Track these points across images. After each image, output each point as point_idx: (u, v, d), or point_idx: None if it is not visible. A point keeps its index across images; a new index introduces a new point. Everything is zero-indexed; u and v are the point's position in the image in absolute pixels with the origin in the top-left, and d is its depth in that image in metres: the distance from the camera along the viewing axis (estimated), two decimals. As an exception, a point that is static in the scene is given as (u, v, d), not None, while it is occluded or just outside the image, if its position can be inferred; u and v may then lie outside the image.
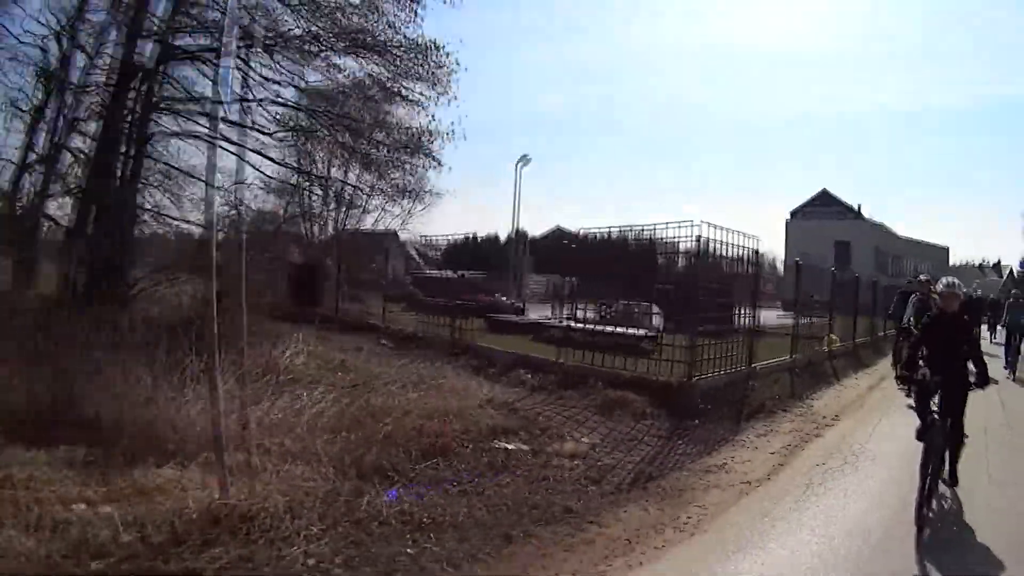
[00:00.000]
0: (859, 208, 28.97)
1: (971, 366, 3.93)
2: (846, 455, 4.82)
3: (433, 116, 9.33)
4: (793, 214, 31.52)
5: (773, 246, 28.14)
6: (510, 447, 4.52)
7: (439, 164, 9.86)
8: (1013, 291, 10.18)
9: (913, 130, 38.78)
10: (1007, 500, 3.89)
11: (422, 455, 4.13)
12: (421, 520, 3.23)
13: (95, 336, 6.44)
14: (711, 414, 5.86)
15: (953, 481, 4.09)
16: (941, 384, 3.94)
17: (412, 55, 8.41)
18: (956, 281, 4.23)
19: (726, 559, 3.05)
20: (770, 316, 9.80)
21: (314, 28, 8.24)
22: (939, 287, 4.28)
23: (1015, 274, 22.79)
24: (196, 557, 2.75)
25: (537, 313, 14.16)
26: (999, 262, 26.36)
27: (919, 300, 7.00)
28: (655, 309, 11.42)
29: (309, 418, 4.43)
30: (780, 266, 26.29)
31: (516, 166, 13.19)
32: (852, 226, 27.40)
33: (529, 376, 7.12)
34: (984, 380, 3.92)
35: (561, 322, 12.13)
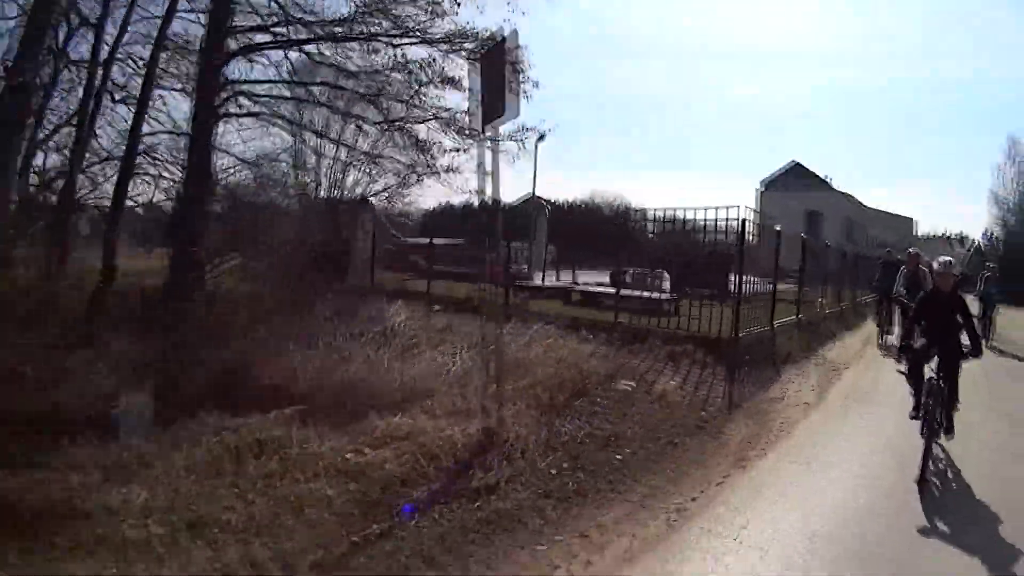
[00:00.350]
0: (829, 179, 31.43)
1: (964, 338, 4.35)
2: (864, 391, 6.57)
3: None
4: (766, 185, 33.66)
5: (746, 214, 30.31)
6: (628, 387, 6.01)
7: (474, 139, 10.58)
8: (989, 264, 11.32)
9: (889, 101, 41.33)
10: (990, 463, 4.50)
11: (571, 395, 5.55)
12: (606, 438, 4.67)
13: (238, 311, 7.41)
14: (754, 362, 7.48)
15: (950, 430, 4.41)
16: (938, 354, 4.36)
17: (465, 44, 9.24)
18: (951, 260, 4.60)
19: (814, 448, 4.68)
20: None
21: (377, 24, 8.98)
22: (935, 266, 4.62)
23: (981, 247, 25.25)
24: (486, 475, 3.79)
25: (545, 279, 15.50)
26: (962, 234, 29.09)
27: (909, 271, 7.91)
28: (665, 275, 13.25)
29: (470, 370, 5.75)
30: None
31: (535, 143, 14.29)
32: (823, 197, 29.80)
33: (591, 335, 8.52)
34: (978, 350, 4.34)
35: (579, 285, 13.76)
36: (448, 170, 11.23)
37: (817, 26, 40.04)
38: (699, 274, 11.76)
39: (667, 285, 13.28)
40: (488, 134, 5.38)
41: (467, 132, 10.55)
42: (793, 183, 32.23)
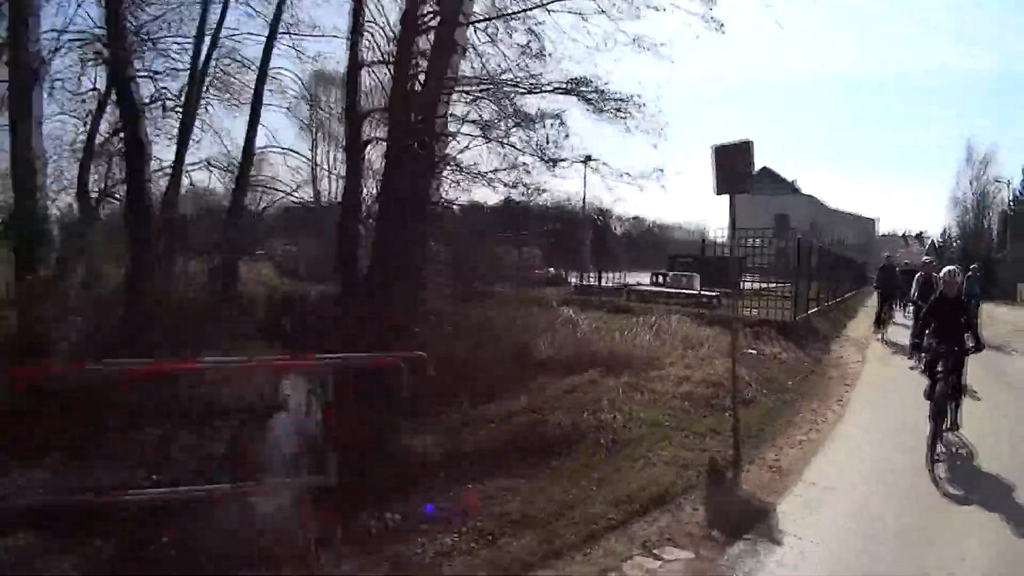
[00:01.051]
0: (795, 183, 37.32)
1: (968, 337, 5.49)
2: (888, 355, 10.93)
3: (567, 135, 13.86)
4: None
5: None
6: (753, 351, 9.99)
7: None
8: (972, 265, 12.95)
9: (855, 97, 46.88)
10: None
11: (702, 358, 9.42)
12: (771, 378, 8.63)
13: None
14: (807, 338, 11.72)
15: (955, 426, 5.66)
16: (947, 350, 5.38)
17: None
18: (956, 270, 5.77)
19: (877, 381, 8.92)
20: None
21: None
22: (943, 275, 5.87)
23: (936, 245, 30.43)
24: (744, 393, 7.52)
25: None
26: (921, 233, 34.70)
27: (923, 278, 9.68)
28: (696, 276, 17.89)
29: (665, 343, 9.48)
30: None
31: (584, 163, 18.04)
32: (790, 200, 35.50)
33: (691, 322, 12.45)
34: (979, 346, 5.40)
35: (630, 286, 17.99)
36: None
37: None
38: (714, 275, 16.62)
39: (697, 284, 18.04)
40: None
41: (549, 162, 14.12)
42: (762, 187, 37.96)
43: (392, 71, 11.71)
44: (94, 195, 12.72)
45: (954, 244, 28.70)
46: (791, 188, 38.08)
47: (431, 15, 11.59)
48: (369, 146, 12.39)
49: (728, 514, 4.43)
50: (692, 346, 9.63)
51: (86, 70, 11.81)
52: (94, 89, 12.01)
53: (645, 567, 3.70)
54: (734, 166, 8.33)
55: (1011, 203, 26.96)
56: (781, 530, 4.21)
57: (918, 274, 10.34)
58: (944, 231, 31.28)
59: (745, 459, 5.52)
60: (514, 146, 13.16)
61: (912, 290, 10.21)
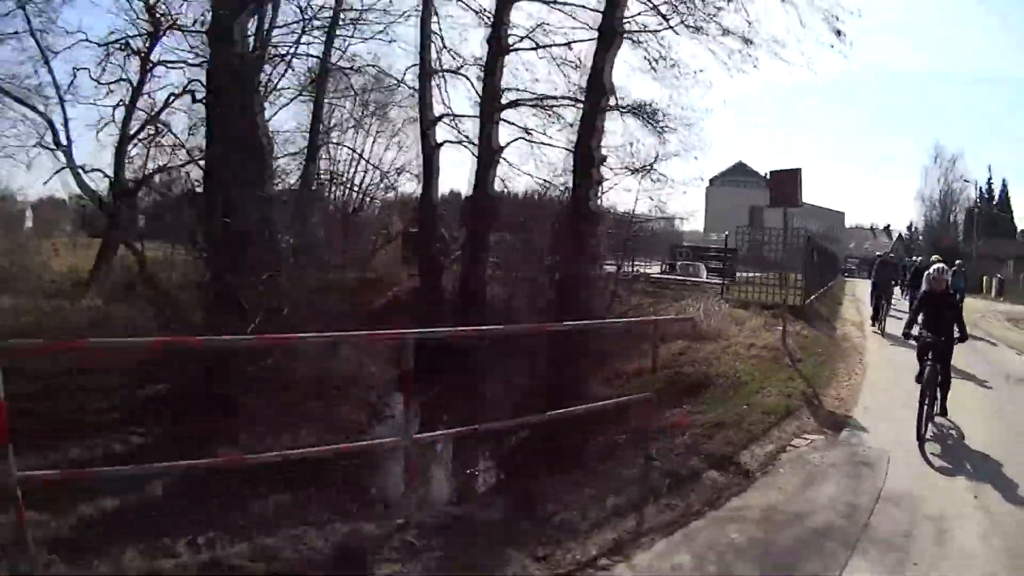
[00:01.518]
0: (767, 176, 41.65)
1: (956, 328, 6.59)
2: (883, 336, 14.43)
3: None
4: (712, 181, 43.36)
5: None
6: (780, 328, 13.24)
7: None
8: (957, 262, 15.06)
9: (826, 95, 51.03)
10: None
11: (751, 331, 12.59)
12: (806, 346, 11.90)
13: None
14: (814, 319, 15.14)
15: (943, 412, 6.79)
16: (934, 342, 6.38)
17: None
18: (944, 267, 6.95)
19: (880, 350, 12.41)
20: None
21: None
22: (931, 272, 6.94)
23: (903, 237, 34.51)
24: (793, 354, 10.81)
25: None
26: (888, 226, 39.09)
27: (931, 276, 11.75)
28: (702, 266, 21.52)
29: (719, 321, 12.55)
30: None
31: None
32: (762, 193, 39.74)
33: (720, 304, 15.68)
34: (964, 337, 6.46)
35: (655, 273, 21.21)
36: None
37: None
38: (714, 265, 20.23)
39: (703, 273, 21.73)
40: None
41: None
42: (736, 180, 42.19)
43: (481, 85, 14.38)
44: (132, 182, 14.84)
45: (920, 238, 33.22)
46: (763, 181, 42.55)
47: (518, 38, 14.36)
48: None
49: (827, 419, 7.54)
50: (738, 323, 12.80)
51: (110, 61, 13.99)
52: (124, 79, 14.12)
53: (802, 443, 6.72)
54: (784, 186, 11.52)
55: (977, 202, 31.22)
56: (862, 426, 7.35)
57: (927, 272, 12.67)
58: (910, 225, 35.74)
59: (820, 394, 8.64)
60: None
61: (922, 286, 12.41)
